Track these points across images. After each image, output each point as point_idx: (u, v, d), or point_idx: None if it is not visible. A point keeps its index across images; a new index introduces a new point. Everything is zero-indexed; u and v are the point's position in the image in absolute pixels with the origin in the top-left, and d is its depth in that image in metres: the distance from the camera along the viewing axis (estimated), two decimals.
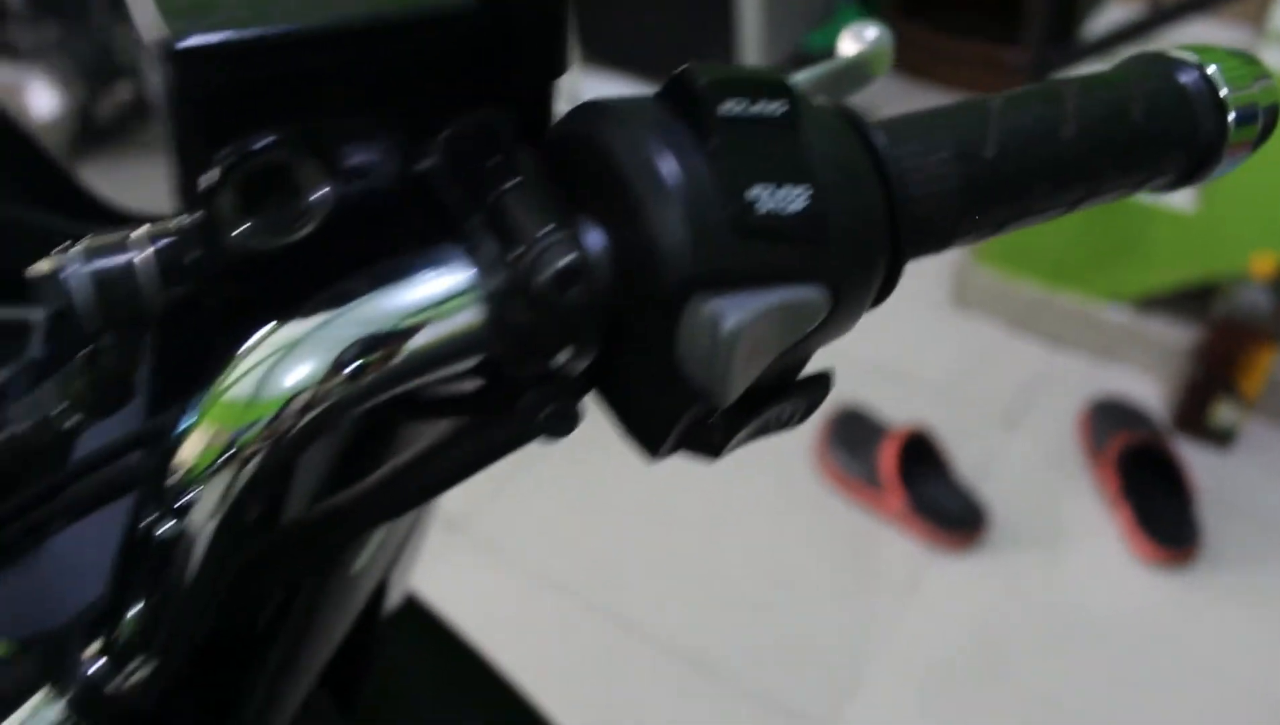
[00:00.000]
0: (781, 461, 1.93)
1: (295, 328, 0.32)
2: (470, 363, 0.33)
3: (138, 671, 0.34)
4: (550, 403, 0.34)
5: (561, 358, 0.33)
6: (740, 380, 0.32)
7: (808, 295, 0.32)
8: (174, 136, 0.32)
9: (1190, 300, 1.96)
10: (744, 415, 0.36)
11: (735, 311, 0.31)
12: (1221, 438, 1.91)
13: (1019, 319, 2.11)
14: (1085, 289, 2.04)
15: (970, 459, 1.91)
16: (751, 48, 2.46)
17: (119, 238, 0.32)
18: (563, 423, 0.35)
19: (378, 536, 0.53)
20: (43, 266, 0.31)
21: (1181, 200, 1.85)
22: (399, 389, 0.33)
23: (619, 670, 1.65)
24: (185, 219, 0.33)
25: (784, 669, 1.68)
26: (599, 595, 1.71)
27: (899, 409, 1.96)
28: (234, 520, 0.33)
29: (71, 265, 0.31)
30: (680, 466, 1.89)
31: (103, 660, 0.34)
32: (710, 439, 0.36)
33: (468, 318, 0.32)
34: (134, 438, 0.40)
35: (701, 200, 0.31)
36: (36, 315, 0.59)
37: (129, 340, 0.34)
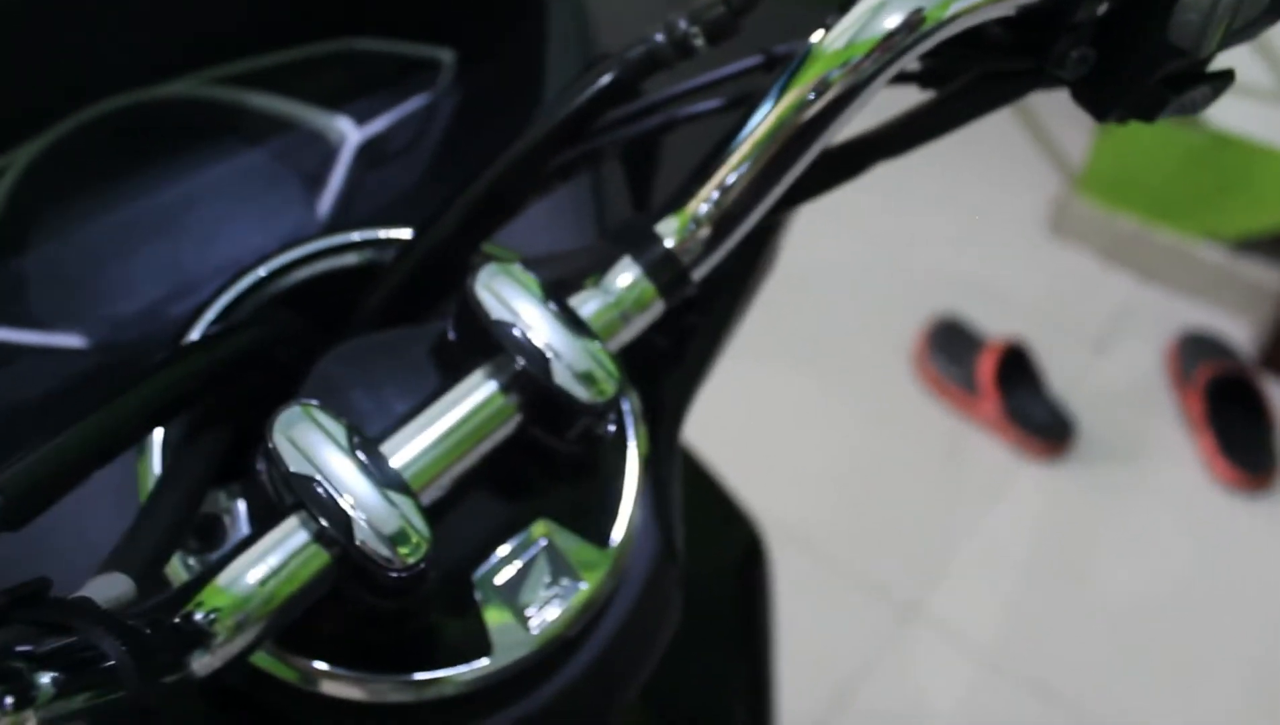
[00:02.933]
0: (883, 366, 2.01)
1: None
2: (1018, 6, 0.42)
3: (699, 242, 0.44)
4: (1079, 46, 0.43)
5: (1100, 8, 0.42)
6: (1215, 41, 0.41)
7: None
8: None
9: None
10: (1176, 90, 0.45)
11: None
12: None
13: (1113, 251, 2.19)
14: (1182, 226, 2.11)
15: (1061, 377, 1.99)
16: None
17: None
18: (1083, 64, 0.44)
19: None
20: None
21: None
22: (960, 28, 0.41)
23: None
24: None
25: (877, 554, 1.77)
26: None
27: (994, 325, 2.04)
28: (809, 136, 0.42)
29: None
30: (793, 368, 1.98)
31: (673, 234, 0.43)
32: (1150, 106, 0.45)
33: None
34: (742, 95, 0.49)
35: None
36: (446, 55, 0.67)
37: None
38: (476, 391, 0.42)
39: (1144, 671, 1.66)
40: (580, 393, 0.41)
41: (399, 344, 0.47)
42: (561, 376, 0.41)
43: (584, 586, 0.45)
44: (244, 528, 0.45)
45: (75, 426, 0.37)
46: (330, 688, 0.42)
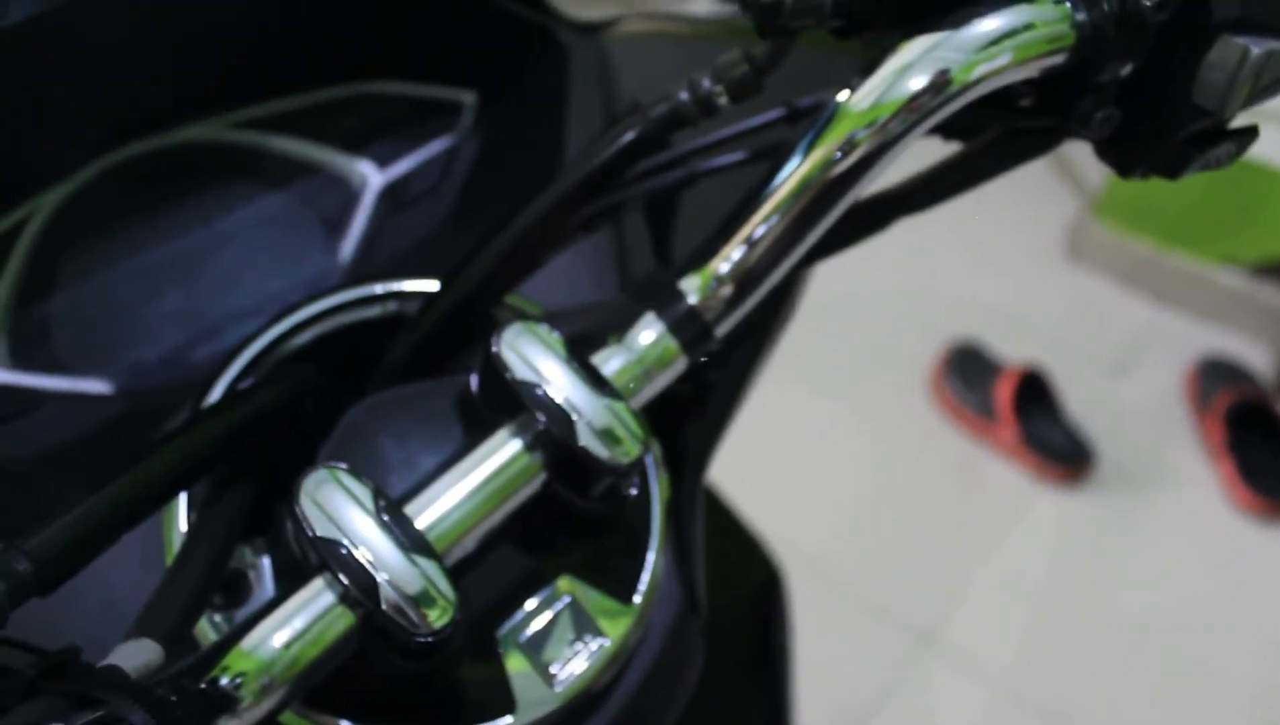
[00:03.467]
0: (900, 392, 2.01)
1: (918, 45, 0.41)
2: (1043, 69, 0.42)
3: (723, 299, 0.44)
4: (1103, 106, 0.43)
5: (1124, 70, 0.42)
6: (1240, 101, 0.41)
7: None
8: None
9: None
10: (1199, 148, 0.45)
11: (1257, 46, 0.41)
12: None
13: (1130, 275, 2.18)
14: (1200, 250, 2.11)
15: (1079, 402, 1.98)
16: None
17: None
18: (1108, 124, 0.43)
19: None
20: None
21: None
22: (986, 90, 0.41)
23: None
24: None
25: (893, 581, 1.76)
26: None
27: (1011, 350, 2.03)
28: (835, 195, 0.42)
29: None
30: (809, 394, 1.97)
31: (696, 291, 0.43)
32: (1174, 163, 0.45)
33: (1061, 35, 0.42)
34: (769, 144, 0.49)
35: None
36: (468, 97, 0.68)
37: (779, 48, 0.43)
38: (501, 451, 0.42)
39: (1163, 700, 1.65)
40: (604, 453, 0.41)
41: (423, 398, 0.47)
42: (585, 437, 0.41)
43: (607, 642, 0.45)
44: (269, 583, 0.45)
45: (102, 492, 0.37)
46: None
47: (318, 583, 0.37)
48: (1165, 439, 1.97)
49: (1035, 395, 1.95)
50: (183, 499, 0.45)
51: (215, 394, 0.48)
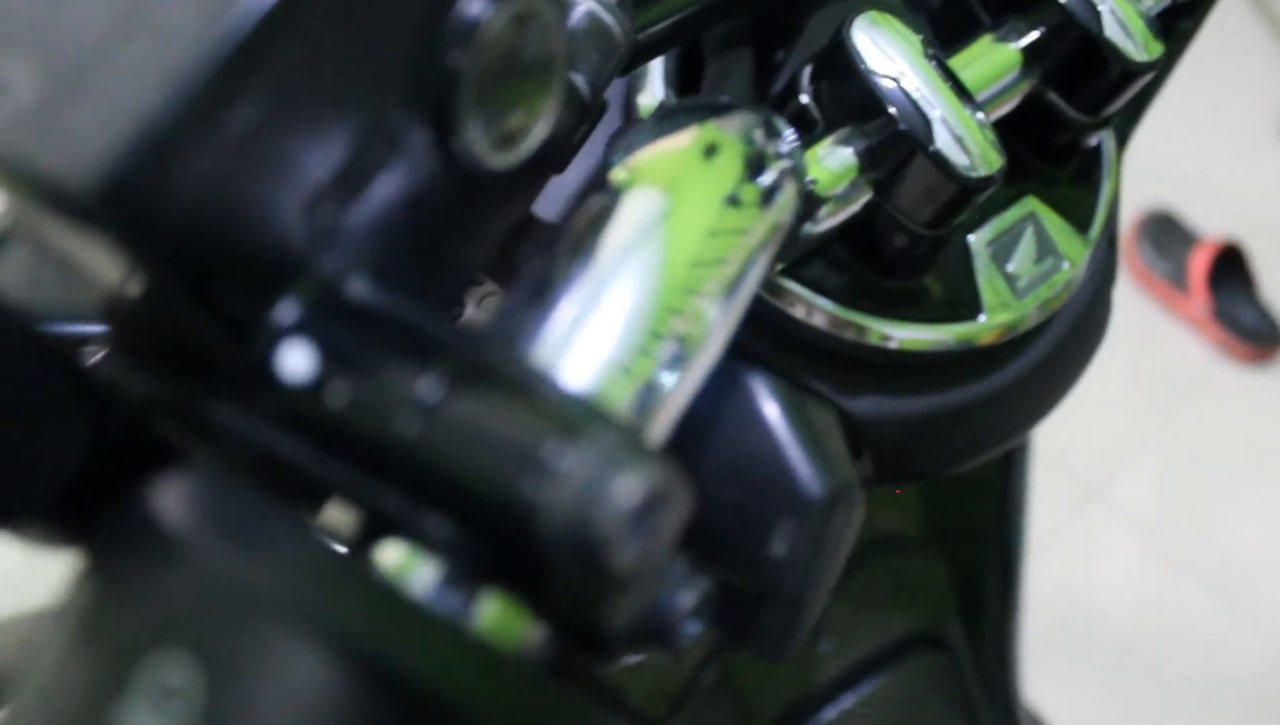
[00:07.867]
0: None
1: None
2: None
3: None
4: None
5: None
6: None
7: None
8: None
9: None
10: None
11: None
12: None
13: None
14: None
15: (1275, 285, 1.92)
16: None
17: None
18: None
19: None
20: None
21: None
22: None
23: None
24: None
25: (1067, 436, 1.74)
26: None
27: (1209, 223, 1.97)
28: None
29: None
30: None
31: None
32: None
33: None
34: None
35: None
36: None
37: None
38: (1009, 41, 0.41)
39: None
40: (1128, 46, 0.40)
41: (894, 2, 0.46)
42: (1111, 27, 0.40)
43: (1066, 264, 0.45)
44: None
45: None
46: (831, 326, 0.41)
47: (845, 131, 0.37)
48: None
49: (1230, 271, 1.89)
50: (657, 65, 0.45)
51: None
